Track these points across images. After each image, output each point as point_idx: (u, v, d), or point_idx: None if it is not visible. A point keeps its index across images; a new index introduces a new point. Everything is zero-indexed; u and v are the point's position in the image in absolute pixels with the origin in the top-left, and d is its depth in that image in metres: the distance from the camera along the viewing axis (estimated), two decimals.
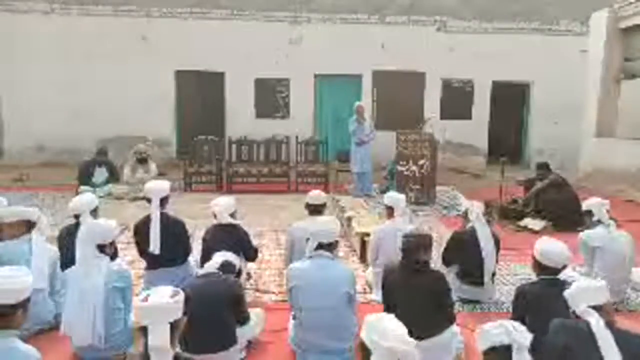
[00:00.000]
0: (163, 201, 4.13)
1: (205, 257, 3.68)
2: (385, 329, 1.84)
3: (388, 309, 3.15)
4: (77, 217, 3.97)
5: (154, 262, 4.08)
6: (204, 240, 4.11)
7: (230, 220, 4.12)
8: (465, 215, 4.32)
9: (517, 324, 2.03)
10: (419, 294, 2.99)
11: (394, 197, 4.43)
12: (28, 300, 2.27)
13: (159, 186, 4.17)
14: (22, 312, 2.24)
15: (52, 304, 3.54)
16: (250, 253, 4.22)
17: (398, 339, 1.81)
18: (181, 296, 2.13)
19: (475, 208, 4.20)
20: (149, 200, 4.10)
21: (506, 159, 7.82)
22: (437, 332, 2.98)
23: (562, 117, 11.74)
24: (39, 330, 3.45)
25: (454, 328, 3.17)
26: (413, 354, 1.80)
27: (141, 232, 4.11)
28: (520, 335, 1.96)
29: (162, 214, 4.07)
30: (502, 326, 1.99)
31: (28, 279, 2.27)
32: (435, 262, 4.48)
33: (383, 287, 3.24)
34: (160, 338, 1.98)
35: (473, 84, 12.33)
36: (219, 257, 3.29)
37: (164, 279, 3.46)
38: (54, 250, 3.71)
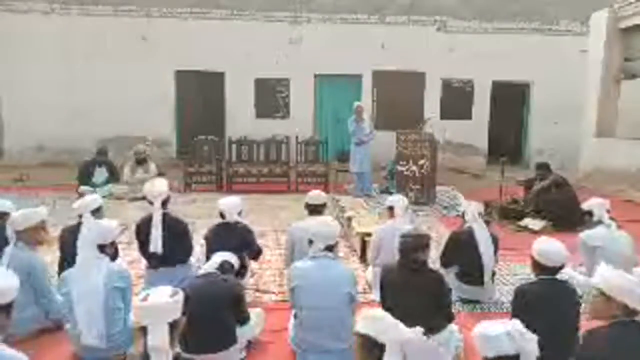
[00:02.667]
0: (164, 202, 4.15)
1: (210, 255, 3.68)
2: (394, 324, 1.88)
3: (386, 308, 3.15)
4: (80, 217, 3.97)
5: (155, 262, 4.09)
6: (206, 238, 4.12)
7: (237, 218, 4.15)
8: (464, 216, 4.32)
9: (521, 327, 1.90)
10: (417, 293, 2.99)
11: (395, 198, 4.52)
12: (10, 304, 2.21)
13: (158, 188, 4.15)
14: (4, 316, 2.19)
15: (33, 310, 3.45)
16: (253, 251, 4.27)
17: (409, 332, 1.86)
18: (181, 296, 2.14)
19: (473, 208, 4.20)
20: (150, 202, 4.11)
21: (506, 159, 7.83)
22: (435, 331, 2.98)
23: (562, 117, 11.74)
24: (38, 331, 3.45)
25: (453, 327, 3.17)
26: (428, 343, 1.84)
27: (143, 232, 4.12)
28: (527, 343, 1.84)
29: (164, 214, 4.08)
30: (508, 334, 1.85)
31: (8, 282, 2.22)
32: (435, 262, 4.50)
33: (381, 286, 3.24)
34: (159, 338, 1.98)
35: (473, 84, 12.33)
36: (218, 257, 3.29)
37: (164, 279, 3.46)
38: (30, 257, 3.50)
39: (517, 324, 1.91)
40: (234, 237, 3.97)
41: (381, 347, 1.86)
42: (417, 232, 3.25)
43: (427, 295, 3.03)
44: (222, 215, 4.16)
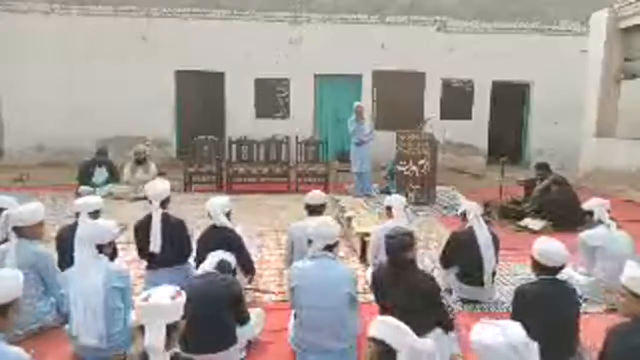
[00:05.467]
0: (164, 202, 4.14)
1: (200, 258, 3.64)
2: (407, 332, 1.87)
3: (381, 307, 3.15)
4: (78, 215, 3.98)
5: (154, 262, 4.09)
6: (198, 242, 4.07)
7: (225, 222, 4.05)
8: (463, 216, 4.32)
9: (525, 338, 1.79)
10: (406, 291, 2.98)
11: (392, 198, 4.53)
12: (10, 304, 2.21)
13: (159, 188, 4.16)
14: (2, 316, 2.19)
15: (41, 305, 3.48)
16: (244, 261, 4.00)
17: (420, 342, 1.86)
18: (182, 298, 2.13)
19: (474, 209, 4.20)
20: (150, 201, 4.12)
21: (506, 159, 7.83)
22: (427, 331, 2.95)
23: (562, 117, 11.74)
24: (38, 329, 3.45)
25: (452, 334, 3.13)
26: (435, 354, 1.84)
27: (141, 233, 4.11)
28: (530, 353, 1.77)
29: (163, 213, 4.08)
30: (512, 346, 1.75)
31: (8, 283, 2.22)
32: (435, 262, 4.50)
33: (375, 285, 3.25)
34: (156, 338, 1.98)
35: (473, 84, 12.33)
36: (214, 257, 3.28)
37: (164, 279, 3.44)
38: (41, 252, 3.56)
39: (519, 333, 1.80)
40: (224, 242, 3.77)
41: (394, 355, 1.84)
42: (401, 231, 3.22)
43: (416, 293, 3.01)
44: (209, 217, 4.08)
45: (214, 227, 4.06)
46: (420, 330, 2.84)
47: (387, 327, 1.90)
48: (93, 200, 4.18)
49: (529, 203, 6.97)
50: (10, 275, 2.29)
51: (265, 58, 11.68)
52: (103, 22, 11.41)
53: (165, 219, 4.08)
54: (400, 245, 3.10)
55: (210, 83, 11.92)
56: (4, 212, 3.57)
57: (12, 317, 2.26)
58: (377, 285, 3.22)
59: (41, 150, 11.54)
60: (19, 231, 3.49)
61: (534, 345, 1.80)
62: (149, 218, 4.09)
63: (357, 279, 3.47)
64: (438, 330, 3.03)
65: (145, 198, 8.08)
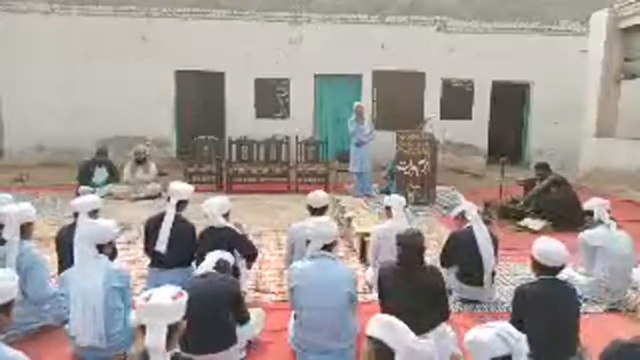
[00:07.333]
0: (180, 204, 4.15)
1: (199, 259, 3.62)
2: (406, 331, 1.86)
3: (385, 306, 3.15)
4: (76, 215, 3.97)
5: (158, 261, 4.09)
6: (197, 242, 4.06)
7: (222, 222, 4.01)
8: (461, 217, 4.32)
9: (511, 328, 1.88)
10: (413, 291, 2.98)
11: (392, 198, 4.53)
12: (11, 302, 2.25)
13: (180, 188, 4.21)
14: (4, 315, 2.22)
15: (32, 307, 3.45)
16: (248, 251, 4.03)
17: (421, 342, 1.85)
18: (184, 298, 2.13)
19: (473, 210, 4.20)
20: (168, 199, 4.15)
21: (506, 159, 7.83)
22: (430, 329, 2.96)
23: (562, 117, 11.75)
24: (38, 328, 3.45)
25: (451, 333, 3.15)
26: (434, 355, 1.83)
27: (152, 229, 4.13)
28: (517, 342, 1.83)
29: (176, 215, 4.09)
30: (498, 336, 1.83)
31: (7, 283, 2.25)
32: (435, 262, 4.49)
33: (380, 284, 3.24)
34: (157, 338, 1.97)
35: (473, 84, 12.33)
36: (213, 257, 3.28)
37: (166, 280, 3.44)
38: (37, 257, 3.52)
39: (505, 325, 1.89)
40: (224, 241, 3.76)
41: (392, 354, 1.84)
42: (413, 232, 3.23)
43: (422, 289, 3.02)
44: (206, 217, 4.03)
45: (212, 227, 4.03)
46: (424, 329, 2.87)
47: (384, 326, 1.90)
48: (91, 199, 4.14)
49: (524, 203, 6.96)
50: (8, 275, 2.32)
51: (265, 58, 11.68)
52: (103, 22, 11.42)
53: (177, 220, 4.08)
54: (414, 246, 3.12)
55: (210, 83, 11.92)
56: (7, 210, 3.53)
57: (13, 314, 2.30)
58: (382, 284, 3.20)
59: (41, 150, 11.54)
60: (22, 229, 3.49)
61: (521, 335, 1.85)
62: (161, 216, 4.11)
63: (357, 278, 3.47)
64: (440, 329, 3.04)
65: (145, 198, 8.13)
